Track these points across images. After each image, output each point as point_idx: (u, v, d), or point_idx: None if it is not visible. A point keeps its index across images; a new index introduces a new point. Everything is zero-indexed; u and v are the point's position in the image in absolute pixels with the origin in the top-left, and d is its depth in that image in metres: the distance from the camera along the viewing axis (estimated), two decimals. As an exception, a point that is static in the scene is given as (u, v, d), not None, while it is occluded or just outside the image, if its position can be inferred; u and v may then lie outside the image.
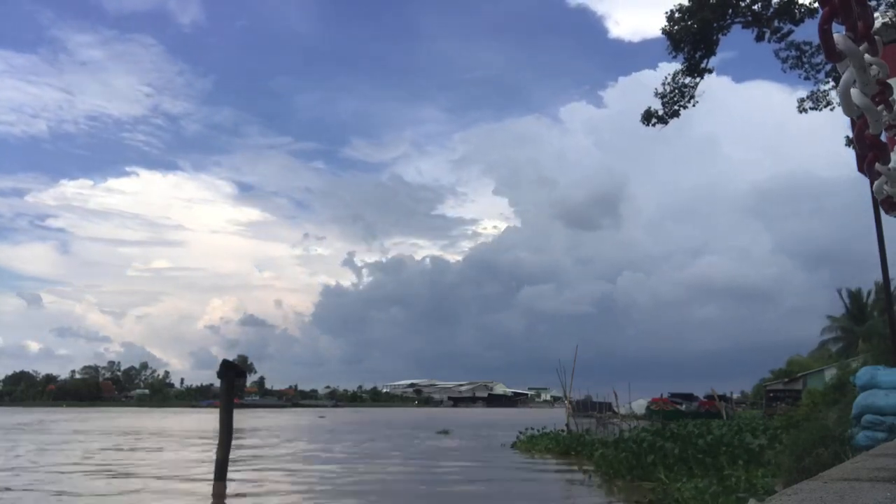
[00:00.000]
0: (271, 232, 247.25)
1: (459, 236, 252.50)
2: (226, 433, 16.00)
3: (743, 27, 17.29)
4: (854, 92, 1.55)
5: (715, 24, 16.87)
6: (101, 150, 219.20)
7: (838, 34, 1.44)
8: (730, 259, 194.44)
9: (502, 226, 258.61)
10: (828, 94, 17.24)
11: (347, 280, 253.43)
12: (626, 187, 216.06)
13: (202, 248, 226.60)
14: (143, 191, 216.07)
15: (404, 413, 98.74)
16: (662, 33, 17.18)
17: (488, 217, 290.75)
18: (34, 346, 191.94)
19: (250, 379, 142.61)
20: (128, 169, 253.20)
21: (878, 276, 13.70)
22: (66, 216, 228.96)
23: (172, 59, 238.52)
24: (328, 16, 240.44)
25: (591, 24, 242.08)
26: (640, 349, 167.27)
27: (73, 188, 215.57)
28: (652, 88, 18.37)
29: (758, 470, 12.87)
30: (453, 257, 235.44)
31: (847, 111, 1.59)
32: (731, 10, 16.95)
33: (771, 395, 43.42)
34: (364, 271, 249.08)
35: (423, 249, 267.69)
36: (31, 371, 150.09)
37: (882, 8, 14.85)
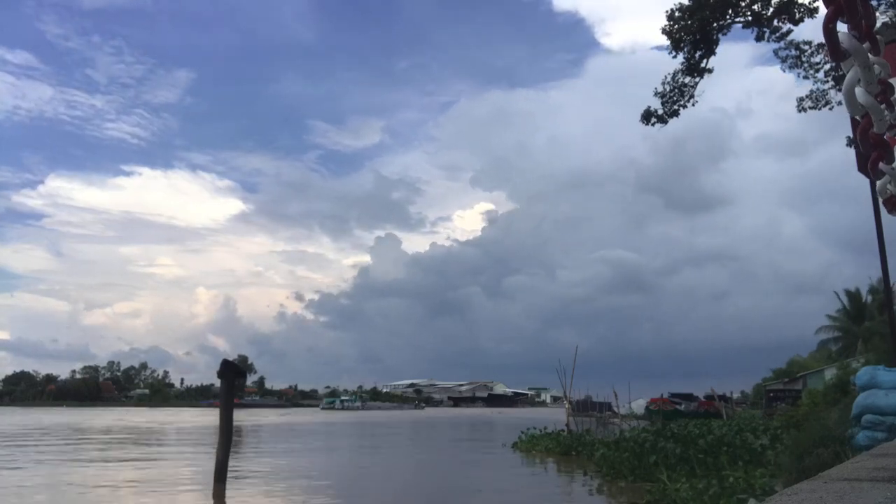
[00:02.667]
0: (256, 228, 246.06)
1: (444, 229, 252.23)
2: (225, 434, 15.96)
3: (743, 27, 17.28)
4: (858, 91, 1.54)
5: (715, 24, 16.86)
6: (81, 145, 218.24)
7: (843, 33, 1.44)
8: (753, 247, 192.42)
9: (490, 216, 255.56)
10: (827, 94, 17.24)
11: (334, 277, 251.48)
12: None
13: (189, 245, 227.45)
14: (130, 187, 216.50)
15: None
16: (662, 33, 17.17)
17: (474, 207, 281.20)
18: (34, 346, 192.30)
19: (250, 379, 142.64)
20: (112, 165, 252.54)
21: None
22: (52, 212, 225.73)
23: (149, 53, 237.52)
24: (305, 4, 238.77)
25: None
26: (638, 347, 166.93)
27: (59, 184, 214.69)
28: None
29: (756, 470, 12.87)
30: (442, 249, 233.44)
31: (851, 110, 1.58)
32: (730, 10, 16.94)
33: (771, 395, 43.41)
34: (351, 268, 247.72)
35: (410, 243, 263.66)
36: (31, 371, 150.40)
37: (882, 7, 14.84)
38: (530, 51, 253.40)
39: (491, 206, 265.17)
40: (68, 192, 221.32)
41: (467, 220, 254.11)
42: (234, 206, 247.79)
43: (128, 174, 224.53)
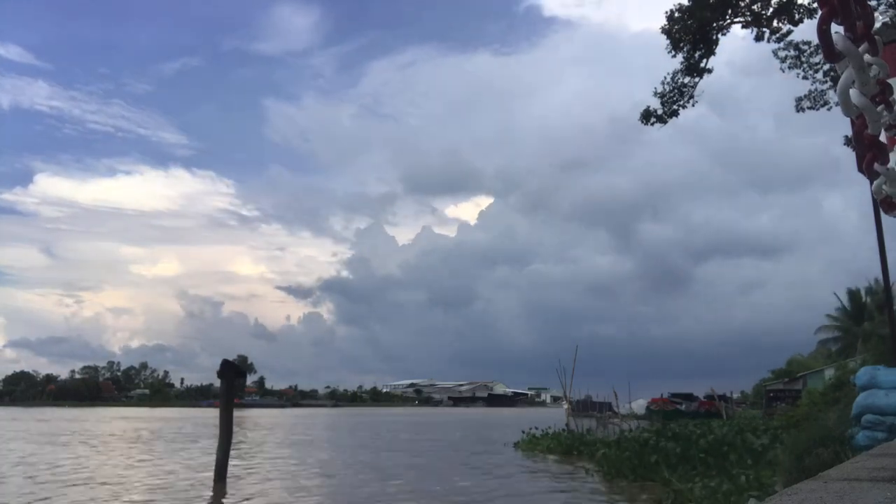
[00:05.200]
0: (242, 224, 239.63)
1: (437, 220, 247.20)
2: (225, 434, 15.98)
3: (742, 27, 17.31)
4: (853, 92, 1.54)
5: (714, 24, 16.87)
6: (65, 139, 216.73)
7: (837, 34, 1.44)
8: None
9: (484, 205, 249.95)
10: (826, 94, 17.25)
11: (327, 275, 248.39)
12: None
13: (175, 241, 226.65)
14: (118, 183, 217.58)
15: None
16: (662, 32, 17.18)
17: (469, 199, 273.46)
18: (31, 345, 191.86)
19: (250, 379, 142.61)
20: (96, 160, 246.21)
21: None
22: (40, 208, 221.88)
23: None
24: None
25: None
26: (637, 347, 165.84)
27: (45, 179, 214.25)
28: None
29: (766, 470, 12.89)
30: (436, 242, 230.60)
31: (846, 111, 1.58)
32: (730, 10, 16.95)
33: (771, 395, 43.42)
34: (341, 266, 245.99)
35: (400, 237, 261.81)
36: (31, 371, 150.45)
37: (882, 8, 14.85)
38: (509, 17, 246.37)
39: (485, 195, 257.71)
40: (55, 187, 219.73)
41: (461, 210, 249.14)
42: (220, 201, 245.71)
43: (114, 170, 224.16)
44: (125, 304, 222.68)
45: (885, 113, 1.72)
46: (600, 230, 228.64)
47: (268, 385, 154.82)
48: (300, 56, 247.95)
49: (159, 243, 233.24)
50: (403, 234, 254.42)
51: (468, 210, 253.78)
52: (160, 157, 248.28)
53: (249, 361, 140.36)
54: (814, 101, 17.62)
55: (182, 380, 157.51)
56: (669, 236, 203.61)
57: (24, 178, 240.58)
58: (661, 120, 18.16)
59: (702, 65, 17.45)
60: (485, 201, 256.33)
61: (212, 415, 34.19)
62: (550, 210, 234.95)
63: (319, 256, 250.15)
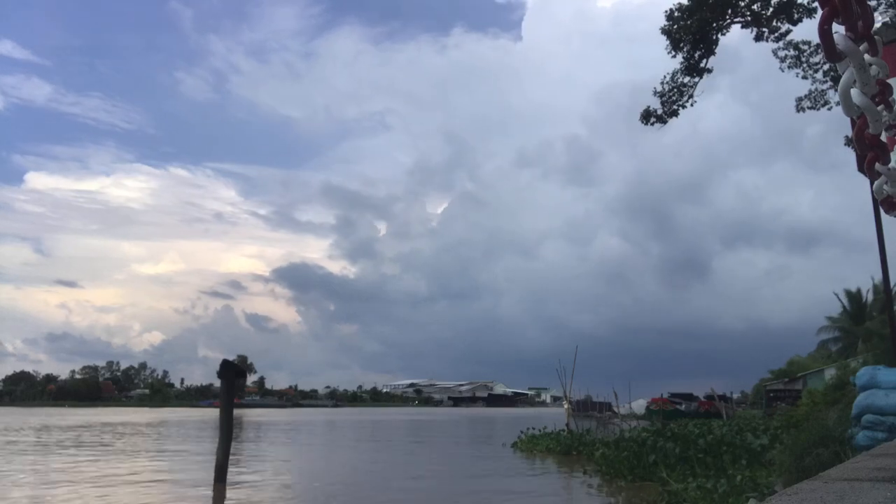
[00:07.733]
0: (229, 221, 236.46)
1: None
2: (226, 434, 15.96)
3: (742, 27, 17.30)
4: (854, 92, 1.54)
5: (714, 24, 16.87)
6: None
7: (838, 34, 1.44)
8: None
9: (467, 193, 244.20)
10: (826, 94, 17.25)
11: (323, 273, 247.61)
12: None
13: (162, 237, 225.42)
14: (108, 182, 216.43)
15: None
16: (661, 32, 17.17)
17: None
18: (31, 342, 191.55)
19: (250, 379, 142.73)
20: (86, 156, 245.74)
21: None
22: (32, 206, 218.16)
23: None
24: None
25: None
26: (640, 346, 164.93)
27: (36, 176, 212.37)
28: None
29: (763, 470, 12.88)
30: (433, 237, 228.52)
31: (847, 111, 1.58)
32: (730, 10, 16.95)
33: (771, 395, 43.47)
34: (332, 261, 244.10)
35: (393, 232, 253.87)
36: (31, 371, 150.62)
37: (882, 8, 14.86)
38: None
39: (484, 185, 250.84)
40: (46, 183, 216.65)
41: (455, 201, 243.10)
42: (217, 198, 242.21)
43: (107, 166, 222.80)
44: (119, 301, 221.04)
45: (885, 113, 1.72)
46: (609, 219, 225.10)
47: (268, 385, 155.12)
48: (281, 42, 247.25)
49: (154, 240, 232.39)
50: (403, 227, 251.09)
51: (464, 201, 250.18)
52: (152, 154, 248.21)
53: (249, 361, 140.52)
54: (814, 100, 17.62)
55: (182, 380, 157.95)
56: (688, 223, 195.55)
57: (16, 176, 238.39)
58: (661, 120, 18.16)
59: (702, 65, 17.45)
60: (481, 191, 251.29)
61: (211, 415, 34.19)
62: (552, 201, 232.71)
63: (314, 253, 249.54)
